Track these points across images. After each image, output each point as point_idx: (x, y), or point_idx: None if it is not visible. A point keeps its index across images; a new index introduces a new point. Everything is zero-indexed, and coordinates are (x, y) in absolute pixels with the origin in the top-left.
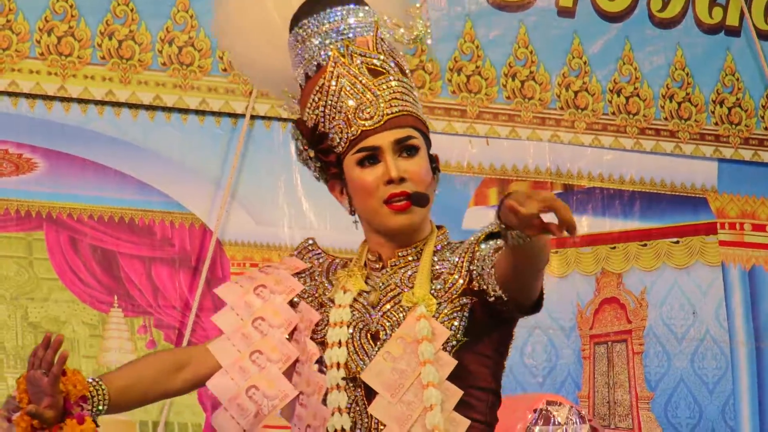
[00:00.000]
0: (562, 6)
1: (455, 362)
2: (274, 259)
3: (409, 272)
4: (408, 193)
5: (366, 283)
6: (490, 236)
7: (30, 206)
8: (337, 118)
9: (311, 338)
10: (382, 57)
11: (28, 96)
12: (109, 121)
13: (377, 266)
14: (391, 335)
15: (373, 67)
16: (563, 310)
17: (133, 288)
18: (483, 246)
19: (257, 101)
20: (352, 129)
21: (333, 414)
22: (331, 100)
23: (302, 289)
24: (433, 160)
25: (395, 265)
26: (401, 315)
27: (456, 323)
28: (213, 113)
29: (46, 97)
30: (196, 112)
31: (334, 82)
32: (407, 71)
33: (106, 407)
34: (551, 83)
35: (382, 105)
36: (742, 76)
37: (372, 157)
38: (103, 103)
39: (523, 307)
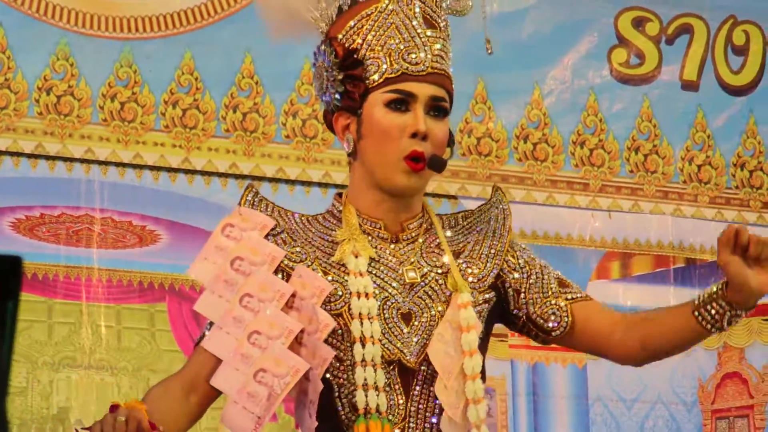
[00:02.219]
0: (686, 80)
1: (482, 356)
2: None
3: (429, 249)
4: (426, 158)
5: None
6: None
7: (153, 278)
8: (378, 51)
9: (324, 308)
10: (440, 12)
11: (152, 168)
12: (233, 194)
13: (385, 236)
14: (425, 316)
15: (428, 17)
16: (685, 384)
17: None
18: (525, 255)
19: None
20: (393, 67)
21: (362, 391)
22: (378, 32)
23: (284, 254)
24: (451, 134)
25: (408, 239)
26: (440, 302)
27: (483, 315)
28: (336, 185)
29: (170, 170)
30: (319, 184)
31: (386, 16)
32: (450, 38)
33: None
34: (674, 157)
35: (429, 56)
36: None
37: (403, 102)
38: (226, 175)
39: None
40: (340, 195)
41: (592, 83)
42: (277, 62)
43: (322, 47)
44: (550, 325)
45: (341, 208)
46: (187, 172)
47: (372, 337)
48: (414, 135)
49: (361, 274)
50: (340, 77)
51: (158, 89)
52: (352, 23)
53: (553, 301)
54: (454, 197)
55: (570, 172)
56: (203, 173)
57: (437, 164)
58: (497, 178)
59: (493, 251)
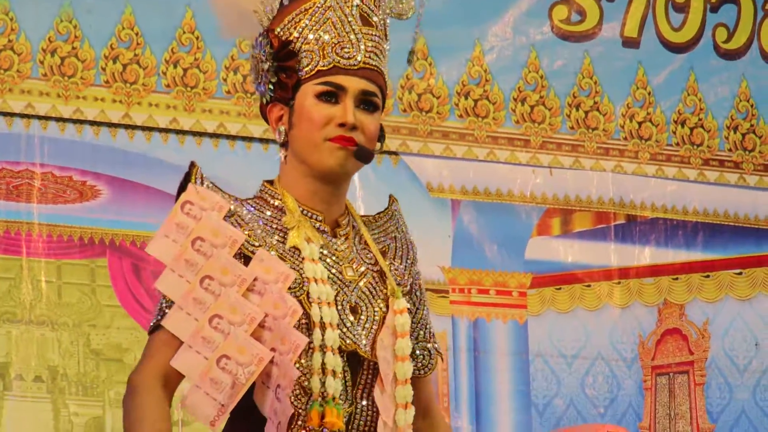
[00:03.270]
0: (627, 36)
1: (412, 365)
2: None
3: (360, 247)
4: (355, 141)
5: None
6: None
7: (93, 233)
8: (312, 44)
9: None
10: (378, 11)
11: (92, 123)
12: (174, 149)
13: (325, 229)
14: (369, 310)
15: (365, 15)
16: (625, 340)
17: None
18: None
19: None
20: (326, 60)
21: (317, 377)
22: (314, 26)
23: (244, 238)
24: (381, 129)
25: (342, 236)
26: (379, 299)
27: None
28: (276, 142)
29: (110, 125)
30: (260, 140)
31: (323, 11)
32: (388, 37)
33: None
34: (615, 114)
35: (362, 52)
36: None
37: (333, 95)
38: (167, 130)
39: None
40: (269, 182)
41: (533, 40)
42: None
43: (260, 38)
44: (417, 364)
45: (278, 195)
46: (127, 127)
47: (331, 323)
48: (342, 125)
49: (314, 261)
50: (274, 68)
51: (99, 44)
52: (290, 17)
53: (429, 345)
54: (395, 153)
55: (511, 129)
56: (144, 128)
57: (364, 154)
58: (438, 134)
59: (409, 261)
